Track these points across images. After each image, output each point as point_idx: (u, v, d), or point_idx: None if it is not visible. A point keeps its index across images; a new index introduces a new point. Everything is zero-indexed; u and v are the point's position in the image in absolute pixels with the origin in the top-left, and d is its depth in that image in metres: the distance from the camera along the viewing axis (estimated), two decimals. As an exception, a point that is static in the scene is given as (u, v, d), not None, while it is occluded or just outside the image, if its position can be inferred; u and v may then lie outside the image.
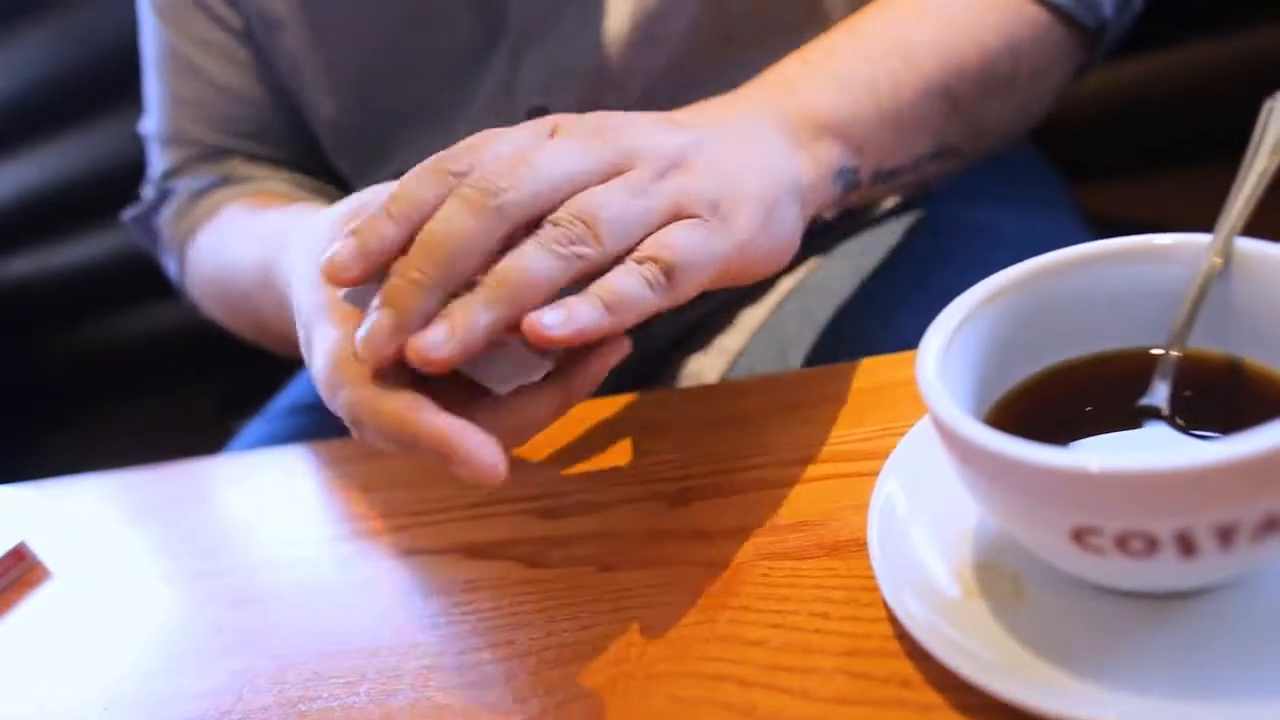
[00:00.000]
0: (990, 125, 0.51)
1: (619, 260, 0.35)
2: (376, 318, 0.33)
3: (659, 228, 0.35)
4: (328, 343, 0.35)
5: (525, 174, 0.34)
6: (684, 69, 0.56)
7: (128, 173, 1.02)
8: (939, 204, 0.59)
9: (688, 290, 0.35)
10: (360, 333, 0.33)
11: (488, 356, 0.35)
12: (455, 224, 0.33)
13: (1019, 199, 0.62)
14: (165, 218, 0.66)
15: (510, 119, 0.56)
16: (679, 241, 0.35)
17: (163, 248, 0.67)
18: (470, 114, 0.58)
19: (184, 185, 0.65)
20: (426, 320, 0.33)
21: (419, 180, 0.35)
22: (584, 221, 0.34)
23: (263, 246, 0.52)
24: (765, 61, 0.56)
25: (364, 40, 0.59)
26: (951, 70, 0.47)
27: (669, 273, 0.35)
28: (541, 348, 0.34)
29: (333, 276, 0.34)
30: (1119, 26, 0.53)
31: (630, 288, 0.34)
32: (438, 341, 0.32)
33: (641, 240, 0.35)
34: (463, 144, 0.36)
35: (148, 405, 1.23)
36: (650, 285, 0.34)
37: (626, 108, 0.54)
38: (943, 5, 0.48)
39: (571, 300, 0.33)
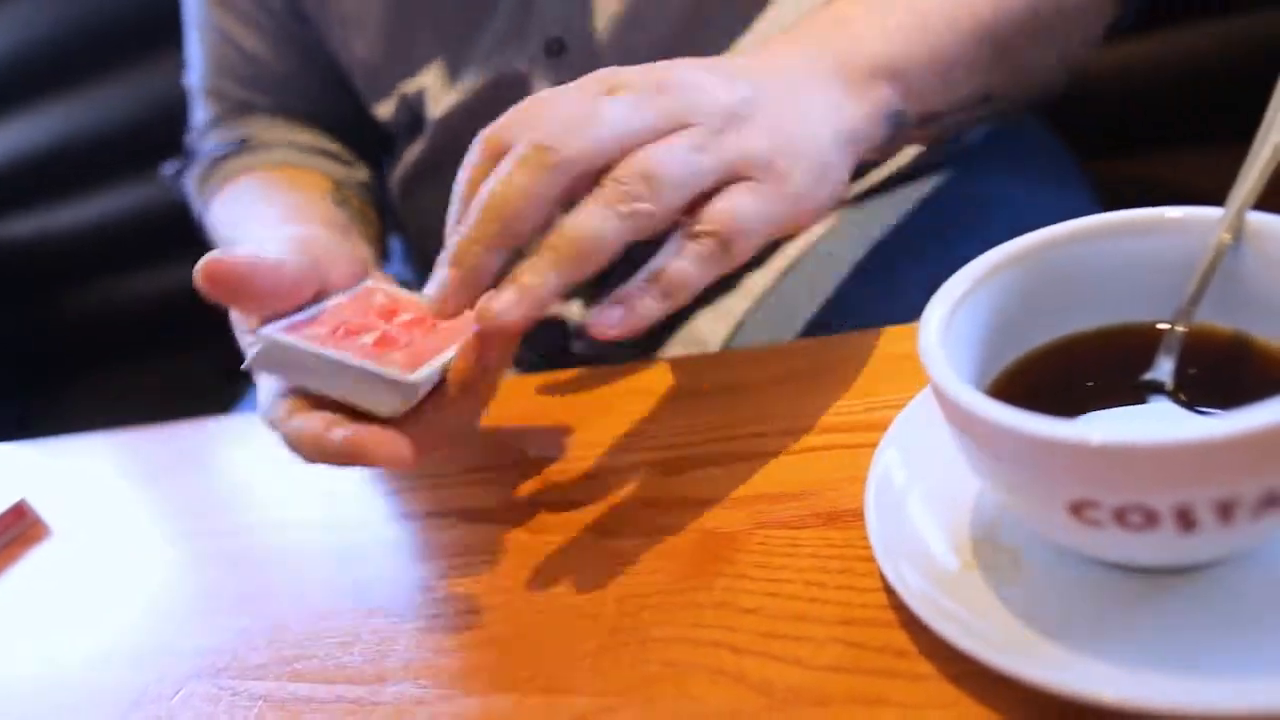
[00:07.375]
0: (1030, 72, 0.50)
1: (673, 219, 0.35)
2: (443, 276, 0.34)
3: (715, 187, 0.36)
4: (261, 392, 0.41)
5: (584, 131, 0.34)
6: (708, 4, 0.55)
7: (133, 132, 1.02)
8: (948, 176, 0.58)
9: (742, 256, 0.36)
10: (428, 291, 0.34)
11: (373, 385, 0.37)
12: (514, 183, 0.34)
13: (1029, 173, 0.61)
14: (192, 179, 0.68)
15: (527, 49, 0.57)
16: (735, 209, 0.36)
17: (193, 205, 0.70)
18: (488, 43, 0.59)
19: (209, 148, 0.67)
20: (491, 278, 0.34)
21: (479, 163, 0.36)
22: (644, 179, 0.34)
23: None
24: None
25: None
26: (1001, 12, 0.46)
27: (725, 244, 0.35)
28: (416, 369, 0.37)
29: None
30: None
31: (685, 269, 0.35)
32: (509, 304, 0.33)
33: (696, 198, 0.35)
34: (515, 112, 0.36)
35: (154, 367, 1.23)
36: (705, 260, 0.35)
37: (651, 46, 0.54)
38: None
39: (629, 293, 0.34)
